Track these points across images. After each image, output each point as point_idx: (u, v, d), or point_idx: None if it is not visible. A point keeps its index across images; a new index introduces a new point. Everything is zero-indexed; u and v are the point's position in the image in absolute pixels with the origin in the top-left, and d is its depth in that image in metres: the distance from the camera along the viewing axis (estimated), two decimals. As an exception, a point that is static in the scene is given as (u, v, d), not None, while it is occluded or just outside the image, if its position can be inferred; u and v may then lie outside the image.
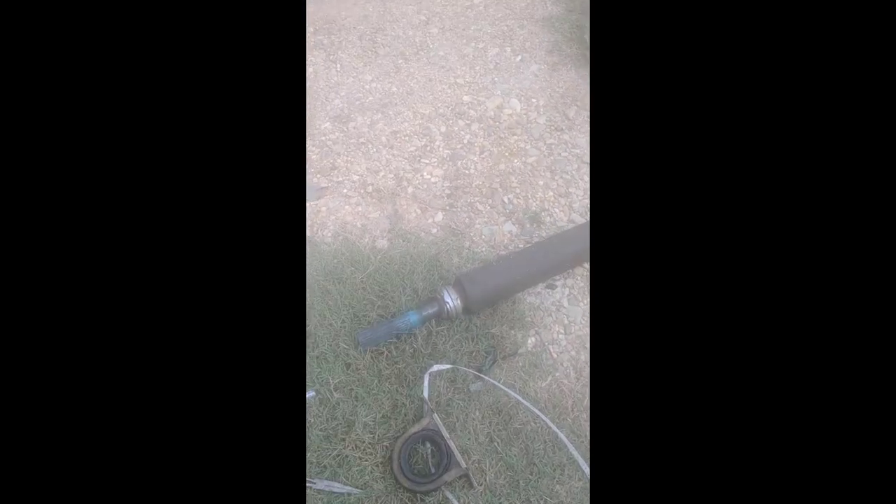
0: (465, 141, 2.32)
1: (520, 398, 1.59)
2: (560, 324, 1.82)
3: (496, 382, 1.65)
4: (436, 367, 1.66)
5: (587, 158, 2.26)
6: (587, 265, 1.93)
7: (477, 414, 1.61)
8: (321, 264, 1.91)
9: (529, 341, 1.77)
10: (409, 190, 2.16)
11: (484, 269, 1.79)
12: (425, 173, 2.21)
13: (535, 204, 2.12)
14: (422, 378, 1.64)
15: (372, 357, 1.70)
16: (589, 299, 1.88)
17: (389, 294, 1.83)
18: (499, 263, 1.79)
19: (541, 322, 1.81)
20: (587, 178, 2.19)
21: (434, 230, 2.05)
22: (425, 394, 1.61)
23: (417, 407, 1.61)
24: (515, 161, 2.25)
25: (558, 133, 2.36)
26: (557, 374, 1.71)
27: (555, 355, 1.75)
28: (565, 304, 1.86)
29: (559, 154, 2.28)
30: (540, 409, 1.61)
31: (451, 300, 1.71)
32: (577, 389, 1.67)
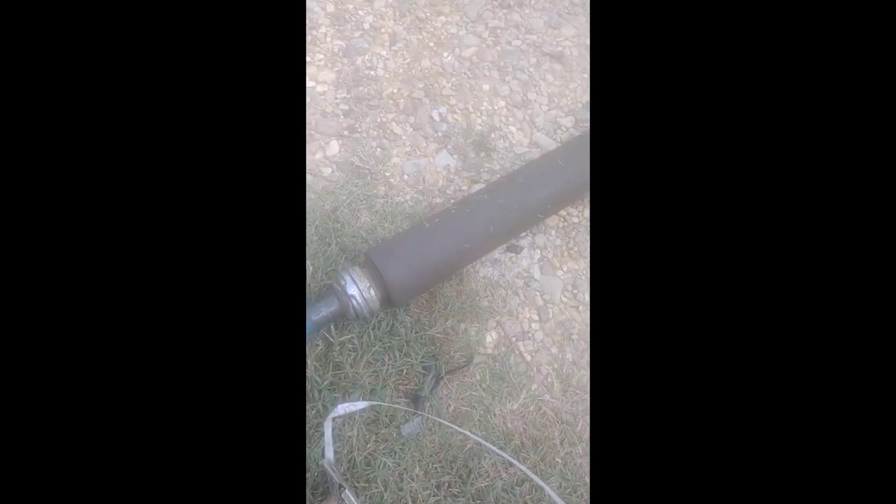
0: (367, 25, 1.51)
1: (481, 440, 0.99)
2: (532, 305, 1.20)
3: (442, 420, 1.03)
4: (342, 408, 0.99)
5: (550, 48, 1.54)
6: (569, 210, 1.30)
7: (417, 471, 0.99)
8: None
9: (489, 339, 1.15)
10: (282, 106, 1.35)
11: (409, 236, 1.10)
12: (307, 79, 1.40)
13: (480, 120, 1.41)
14: (320, 429, 0.98)
15: (229, 403, 0.99)
16: (571, 264, 1.26)
17: (255, 286, 1.09)
18: (432, 223, 1.10)
19: (503, 306, 1.18)
20: (552, 78, 1.49)
21: (327, 170, 1.29)
22: (328, 455, 0.96)
23: (318, 477, 0.96)
24: (445, 55, 1.49)
25: (504, 11, 1.60)
26: (534, 388, 1.11)
27: (528, 357, 1.15)
28: (537, 274, 1.24)
29: (509, 43, 1.54)
30: (512, 452, 1.03)
31: (361, 290, 1.02)
32: (565, 409, 1.10)
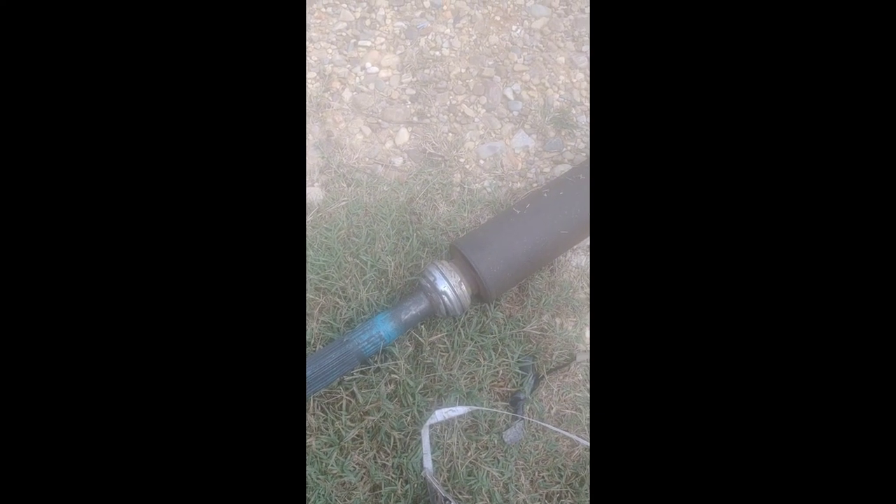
0: (427, 3, 1.41)
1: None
2: (632, 295, 1.08)
3: (547, 424, 0.94)
4: (440, 414, 0.92)
5: (627, 13, 1.40)
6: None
7: (523, 481, 0.90)
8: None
9: (588, 334, 1.05)
10: (346, 95, 1.28)
11: (498, 224, 1.01)
12: (369, 64, 1.32)
13: (558, 96, 1.29)
14: (416, 436, 0.91)
15: (320, 409, 0.94)
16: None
17: (336, 284, 1.03)
18: (522, 208, 1.00)
19: (601, 297, 1.07)
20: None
21: (398, 160, 1.21)
22: (426, 465, 0.89)
23: (417, 489, 0.89)
24: (515, 29, 1.38)
25: (573, -22, 1.47)
26: (644, 387, 1.00)
27: (633, 352, 1.03)
28: (635, 260, 1.11)
29: (582, 10, 1.42)
30: (630, 458, 0.92)
31: (452, 286, 0.94)
32: (681, 409, 0.98)
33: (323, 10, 1.41)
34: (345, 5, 1.41)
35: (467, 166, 1.21)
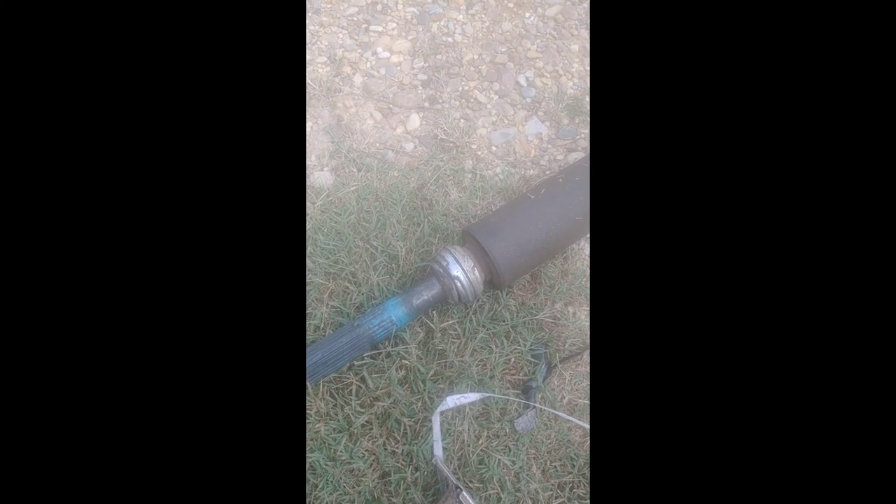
0: (440, -11, 1.39)
1: (608, 435, 0.87)
2: (646, 285, 1.06)
3: (560, 413, 0.92)
4: (451, 401, 0.90)
5: None
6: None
7: (534, 470, 0.89)
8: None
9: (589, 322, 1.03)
10: (357, 80, 1.26)
11: (513, 209, 0.99)
12: (380, 49, 1.30)
13: (571, 83, 1.27)
14: (427, 423, 0.89)
15: (329, 394, 0.92)
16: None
17: (346, 269, 1.01)
18: (537, 194, 0.98)
19: (615, 286, 1.05)
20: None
21: (409, 145, 1.19)
22: (437, 452, 0.87)
23: (427, 477, 0.87)
24: (528, 16, 1.36)
25: (587, -34, 1.45)
26: (658, 377, 0.98)
27: (647, 342, 1.02)
28: (649, 249, 1.10)
29: (596, -1, 1.40)
30: (643, 449, 0.90)
31: (465, 271, 0.92)
32: (696, 400, 0.97)
33: (333, -6, 1.39)
34: (356, -10, 1.39)
35: (479, 153, 1.19)
